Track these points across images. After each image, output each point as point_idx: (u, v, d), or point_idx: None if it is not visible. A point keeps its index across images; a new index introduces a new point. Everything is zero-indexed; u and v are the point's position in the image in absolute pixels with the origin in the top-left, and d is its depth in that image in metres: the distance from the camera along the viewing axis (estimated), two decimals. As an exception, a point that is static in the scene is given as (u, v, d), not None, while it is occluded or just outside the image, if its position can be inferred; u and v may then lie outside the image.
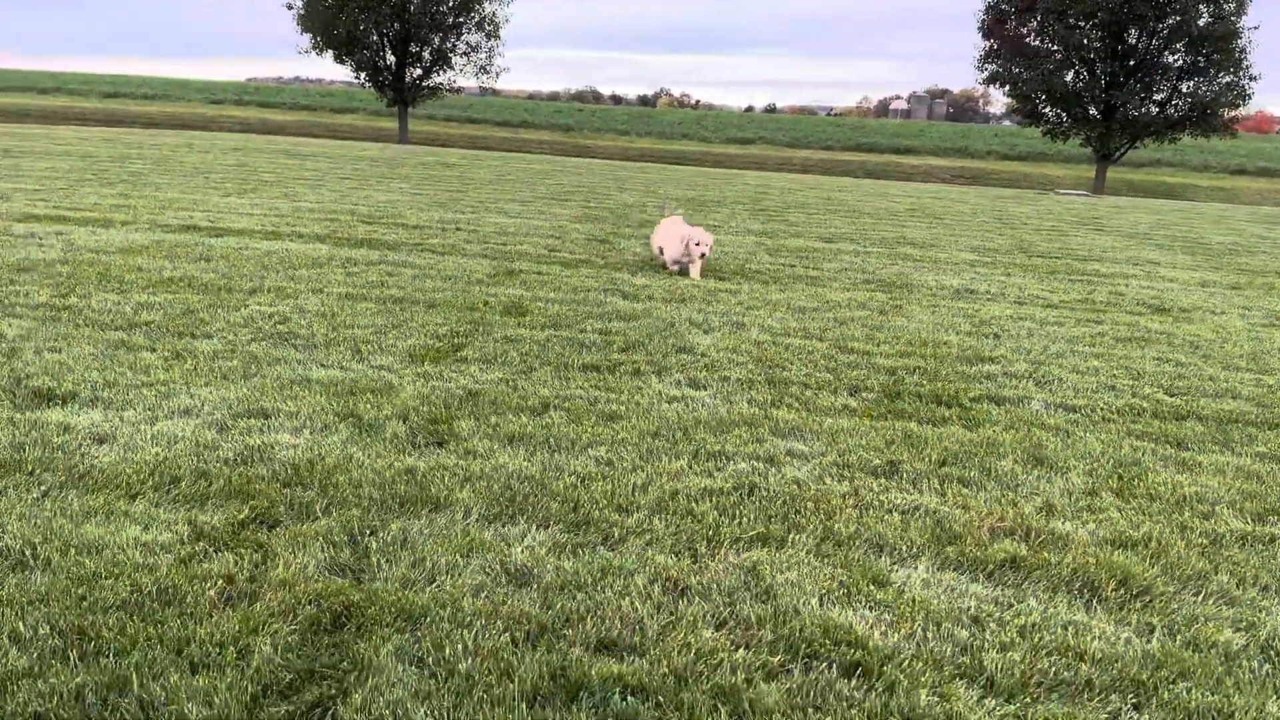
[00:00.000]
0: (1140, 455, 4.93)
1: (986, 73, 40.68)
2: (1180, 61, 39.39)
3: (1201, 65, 38.83)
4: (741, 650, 2.91)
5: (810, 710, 2.63)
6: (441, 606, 3.04)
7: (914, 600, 3.27)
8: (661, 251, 9.51)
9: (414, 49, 44.95)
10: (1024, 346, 7.22)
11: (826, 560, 3.55)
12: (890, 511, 4.01)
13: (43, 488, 3.75)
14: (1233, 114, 39.42)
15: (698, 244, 8.99)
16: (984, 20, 39.79)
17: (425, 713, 2.53)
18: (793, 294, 8.78)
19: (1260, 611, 3.36)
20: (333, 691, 2.60)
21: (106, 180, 14.73)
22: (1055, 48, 39.57)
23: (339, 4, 42.55)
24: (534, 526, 3.69)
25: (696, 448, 4.64)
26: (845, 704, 2.66)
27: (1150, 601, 3.38)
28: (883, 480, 4.37)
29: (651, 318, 7.41)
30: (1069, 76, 39.77)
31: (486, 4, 44.90)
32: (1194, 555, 3.76)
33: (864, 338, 7.19)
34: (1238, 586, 3.54)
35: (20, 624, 2.81)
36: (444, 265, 9.07)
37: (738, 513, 3.91)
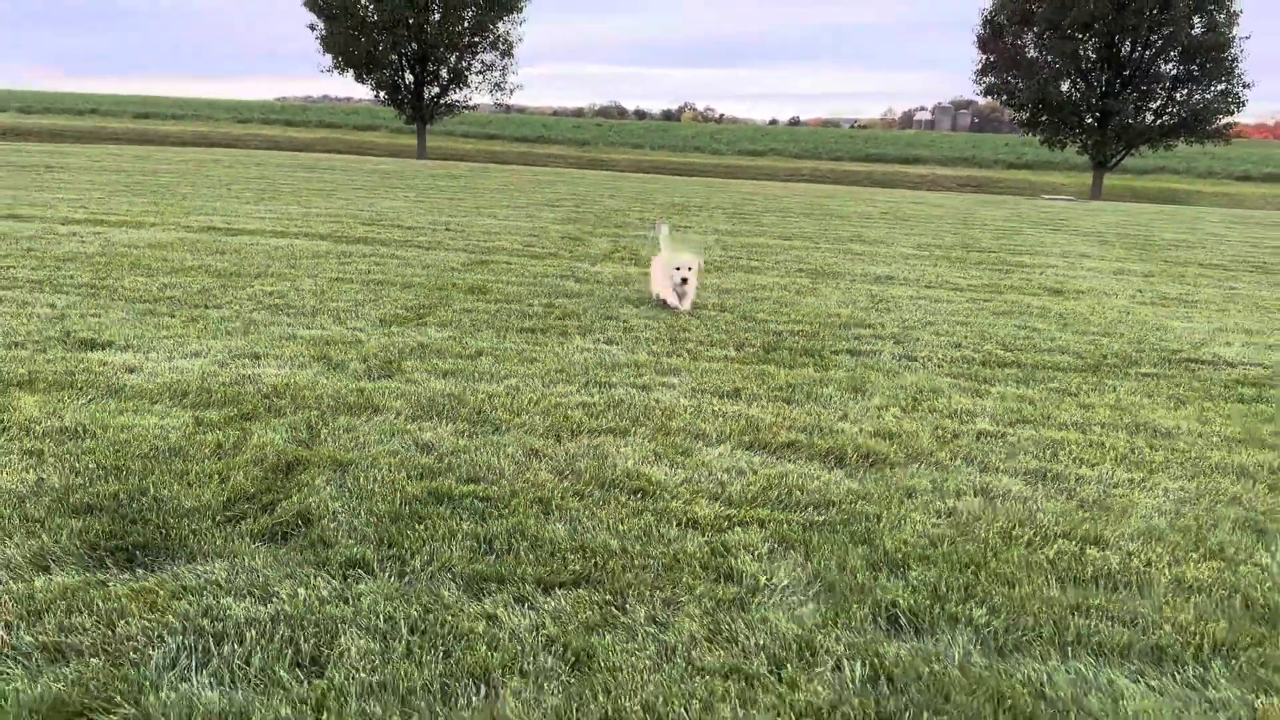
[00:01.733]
0: (943, 387, 6.22)
1: (984, 85, 41.97)
2: (1175, 70, 40.47)
3: (1195, 74, 39.89)
4: (565, 482, 4.25)
5: (595, 508, 3.96)
6: (363, 460, 4.40)
7: (703, 462, 4.59)
8: (661, 297, 8.51)
9: (431, 67, 46.79)
10: (904, 318, 8.51)
11: (654, 442, 4.87)
12: (718, 417, 5.32)
13: (89, 396, 5.15)
14: (1227, 120, 40.39)
15: (677, 268, 8.25)
16: (980, 34, 41.06)
17: (339, 505, 3.88)
18: (726, 280, 10.10)
19: (954, 474, 4.64)
20: (280, 497, 3.96)
21: (138, 191, 16.31)
22: (1052, 59, 40.74)
23: (358, 25, 44.47)
24: (445, 422, 5.04)
25: (589, 379, 5.97)
26: (618, 504, 3.99)
27: (880, 468, 4.68)
28: (725, 400, 5.69)
29: (594, 297, 8.76)
30: (1065, 86, 40.93)
31: (500, 24, 46.71)
32: (932, 442, 5.05)
33: (770, 311, 8.50)
34: (951, 460, 4.82)
35: (76, 463, 4.19)
36: (426, 257, 10.47)
37: (602, 416, 5.24)
